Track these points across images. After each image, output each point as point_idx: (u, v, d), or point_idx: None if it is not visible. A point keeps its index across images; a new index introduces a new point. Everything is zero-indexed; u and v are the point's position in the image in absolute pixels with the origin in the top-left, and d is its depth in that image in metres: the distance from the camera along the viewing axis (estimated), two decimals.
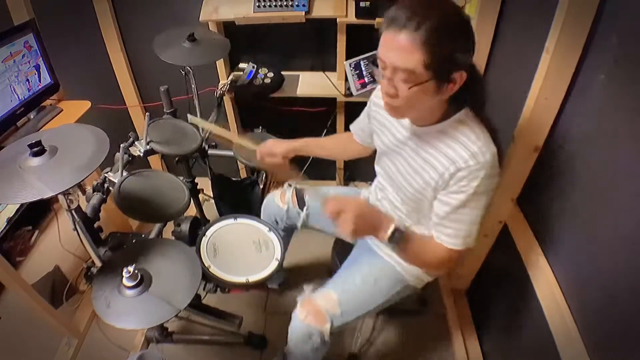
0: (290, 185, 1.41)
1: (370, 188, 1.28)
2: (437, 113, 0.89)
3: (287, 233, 1.44)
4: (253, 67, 1.73)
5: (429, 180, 0.92)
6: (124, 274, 0.95)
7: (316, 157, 1.30)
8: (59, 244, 1.58)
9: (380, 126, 1.07)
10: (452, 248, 0.93)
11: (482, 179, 0.84)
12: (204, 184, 1.77)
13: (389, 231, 0.87)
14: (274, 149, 1.18)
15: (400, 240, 0.89)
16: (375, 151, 1.16)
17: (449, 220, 0.91)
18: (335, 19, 1.60)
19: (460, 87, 0.83)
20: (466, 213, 0.89)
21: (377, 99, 1.06)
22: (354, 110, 1.86)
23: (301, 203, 1.35)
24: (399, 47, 0.74)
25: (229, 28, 1.73)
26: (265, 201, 1.43)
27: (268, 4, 1.60)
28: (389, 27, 0.75)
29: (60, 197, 0.97)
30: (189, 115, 1.17)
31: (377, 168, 1.15)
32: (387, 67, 0.78)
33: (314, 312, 1.08)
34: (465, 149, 0.84)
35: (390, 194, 1.11)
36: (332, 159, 1.33)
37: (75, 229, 1.08)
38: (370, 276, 1.13)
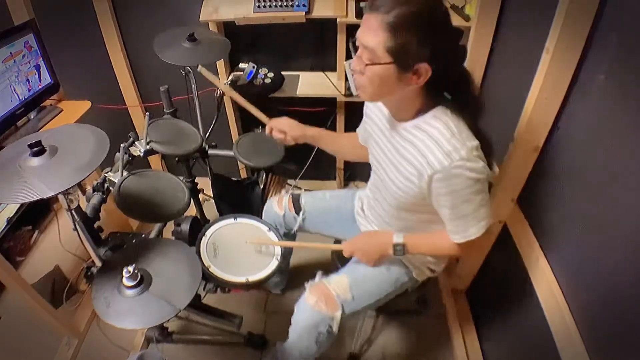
0: (287, 191, 1.42)
1: (366, 188, 1.28)
2: (412, 107, 0.91)
3: (288, 239, 1.44)
4: (253, 67, 1.73)
5: (410, 178, 0.92)
6: (124, 274, 0.95)
7: (324, 150, 1.31)
8: (59, 244, 1.58)
9: (372, 123, 1.09)
10: (467, 240, 0.95)
11: (463, 174, 0.84)
12: (204, 184, 1.77)
13: (391, 250, 1.04)
14: (288, 130, 1.21)
15: (403, 251, 1.03)
16: None
17: (455, 219, 0.93)
18: (335, 19, 1.60)
19: (442, 88, 0.86)
20: (466, 207, 0.89)
21: None
22: (354, 110, 1.87)
23: (297, 208, 1.36)
24: (369, 27, 0.79)
25: (229, 28, 1.73)
26: (264, 209, 1.45)
27: (268, 4, 1.60)
28: (367, 10, 0.80)
29: (60, 197, 0.97)
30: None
31: (371, 167, 1.16)
32: (359, 45, 0.83)
33: (325, 297, 1.08)
34: (439, 148, 0.84)
35: (380, 194, 1.12)
36: (339, 156, 1.36)
37: (75, 229, 1.08)
38: (383, 264, 1.14)
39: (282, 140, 1.23)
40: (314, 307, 1.07)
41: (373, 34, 0.78)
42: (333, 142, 1.30)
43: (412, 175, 0.92)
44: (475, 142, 0.86)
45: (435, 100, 0.90)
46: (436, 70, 0.80)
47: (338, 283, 1.11)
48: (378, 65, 0.80)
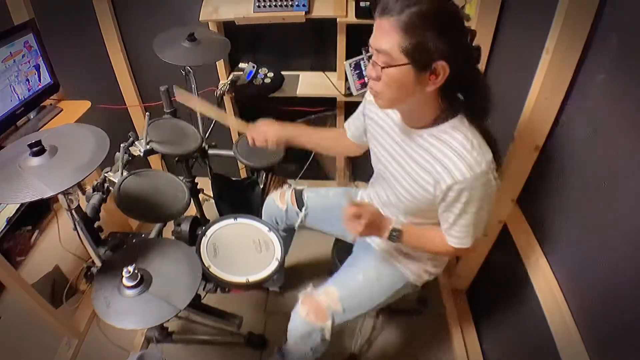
0: (289, 186, 1.41)
1: (368, 189, 1.28)
2: (428, 113, 0.89)
3: (287, 234, 1.44)
4: (253, 67, 1.73)
5: (424, 186, 0.92)
6: (124, 273, 0.95)
7: (307, 148, 1.26)
8: (59, 244, 1.58)
9: (375, 125, 1.07)
10: (461, 247, 0.96)
11: (479, 187, 0.85)
12: (204, 184, 1.77)
13: (387, 233, 0.98)
14: (267, 134, 1.16)
15: (397, 238, 0.99)
16: (368, 152, 1.14)
17: (456, 226, 0.93)
18: (335, 19, 1.60)
19: (457, 90, 0.85)
20: (470, 217, 0.90)
21: (371, 97, 1.06)
22: (353, 110, 1.84)
23: (300, 203, 1.35)
24: (382, 30, 0.78)
25: (229, 28, 1.73)
26: (265, 203, 1.44)
27: (268, 4, 1.60)
28: (378, 14, 0.79)
29: (60, 197, 0.97)
30: (176, 90, 1.21)
31: (374, 169, 1.15)
32: (372, 50, 0.82)
33: (315, 309, 1.09)
34: (461, 160, 0.84)
35: (386, 197, 1.11)
36: (323, 152, 1.32)
37: (75, 229, 1.08)
38: (373, 273, 1.13)
39: (265, 146, 1.18)
40: (305, 318, 1.09)
41: (387, 37, 0.77)
42: (310, 137, 1.25)
43: (428, 184, 0.91)
44: (491, 155, 0.86)
45: (452, 109, 0.88)
46: (453, 69, 0.79)
47: (328, 295, 1.11)
48: (394, 67, 0.78)
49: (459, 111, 0.88)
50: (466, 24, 0.82)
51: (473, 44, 0.84)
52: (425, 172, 0.91)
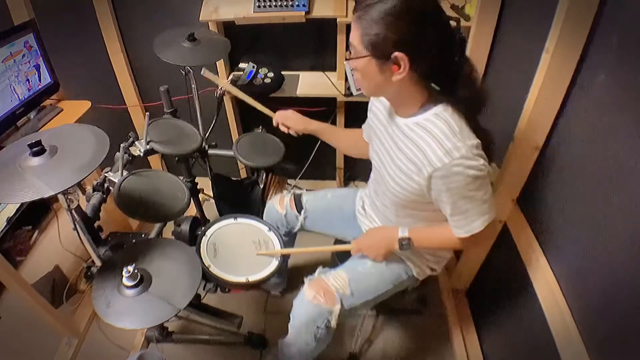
0: (289, 190, 1.42)
1: (366, 188, 1.28)
2: (412, 102, 0.92)
3: (289, 238, 1.45)
4: (253, 67, 1.73)
5: (410, 175, 0.93)
6: (124, 273, 0.95)
7: (328, 143, 1.36)
8: (59, 244, 1.58)
9: (375, 119, 1.10)
10: (470, 235, 0.95)
11: (462, 172, 0.85)
12: (204, 184, 1.77)
13: (397, 245, 1.04)
14: (291, 125, 1.32)
15: (409, 245, 1.04)
16: None
17: (456, 215, 0.93)
18: (335, 19, 1.60)
19: (436, 79, 0.88)
20: (467, 202, 0.90)
21: None
22: (353, 110, 1.87)
23: (299, 207, 1.36)
24: (352, 26, 0.87)
25: (229, 28, 1.73)
26: (266, 208, 1.46)
27: (268, 4, 1.60)
28: (353, 12, 0.86)
29: (60, 196, 0.97)
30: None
31: (372, 163, 1.16)
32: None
33: (323, 290, 1.09)
34: (439, 146, 0.85)
35: (382, 194, 1.12)
36: (341, 150, 1.41)
37: (75, 228, 1.08)
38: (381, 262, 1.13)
39: (287, 130, 1.33)
40: (312, 301, 1.08)
41: (354, 32, 0.85)
42: (334, 137, 1.35)
43: (412, 172, 0.92)
44: (476, 141, 0.87)
45: (438, 97, 0.90)
46: (417, 60, 0.82)
47: (337, 278, 1.11)
48: (359, 59, 0.86)
49: (443, 99, 0.90)
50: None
51: (451, 35, 0.84)
52: (409, 161, 0.93)
